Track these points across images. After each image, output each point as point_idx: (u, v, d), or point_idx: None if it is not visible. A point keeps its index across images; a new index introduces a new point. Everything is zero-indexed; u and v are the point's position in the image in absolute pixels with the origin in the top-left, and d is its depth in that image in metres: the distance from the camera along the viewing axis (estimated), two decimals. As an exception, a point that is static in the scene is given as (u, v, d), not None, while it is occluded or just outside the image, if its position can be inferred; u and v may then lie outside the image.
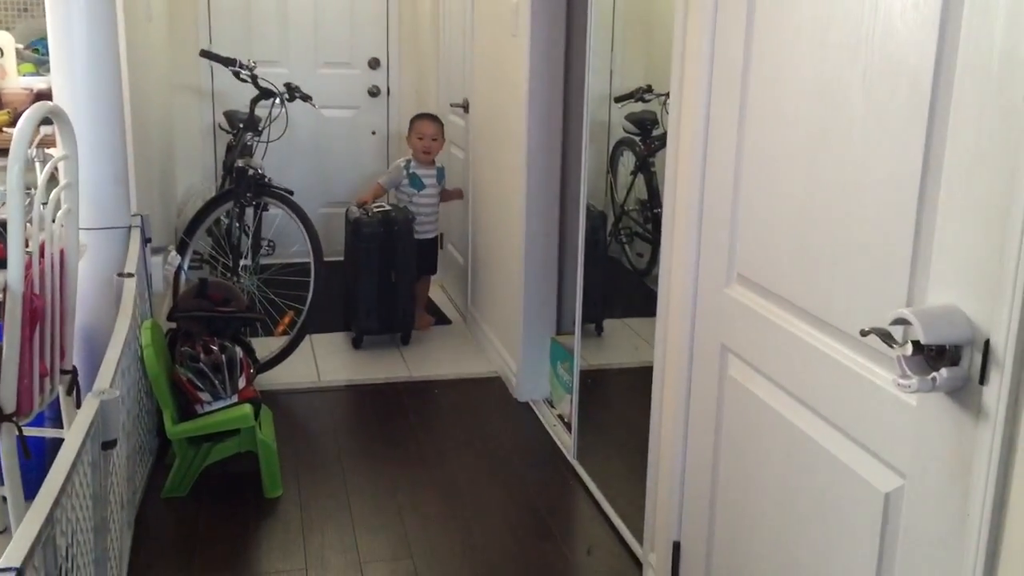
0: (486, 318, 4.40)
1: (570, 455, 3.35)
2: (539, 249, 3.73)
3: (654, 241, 4.03)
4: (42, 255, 2.37)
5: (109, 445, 1.87)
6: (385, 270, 4.30)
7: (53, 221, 2.42)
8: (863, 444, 1.53)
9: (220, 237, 4.36)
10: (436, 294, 5.28)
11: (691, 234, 2.15)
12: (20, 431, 2.32)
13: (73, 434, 1.76)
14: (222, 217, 4.21)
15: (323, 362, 4.23)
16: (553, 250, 3.77)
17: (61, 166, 2.51)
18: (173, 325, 3.48)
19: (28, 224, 2.29)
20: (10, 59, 3.78)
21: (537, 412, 3.75)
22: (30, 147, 2.36)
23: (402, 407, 3.80)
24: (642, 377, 2.72)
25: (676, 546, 2.32)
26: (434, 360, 4.28)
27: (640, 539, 2.68)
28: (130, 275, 2.74)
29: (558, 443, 3.48)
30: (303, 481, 3.17)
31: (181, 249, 4.11)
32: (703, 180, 2.10)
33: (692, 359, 2.18)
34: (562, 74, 3.65)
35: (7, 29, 4.08)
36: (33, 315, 2.32)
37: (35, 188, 2.39)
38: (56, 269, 2.44)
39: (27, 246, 2.29)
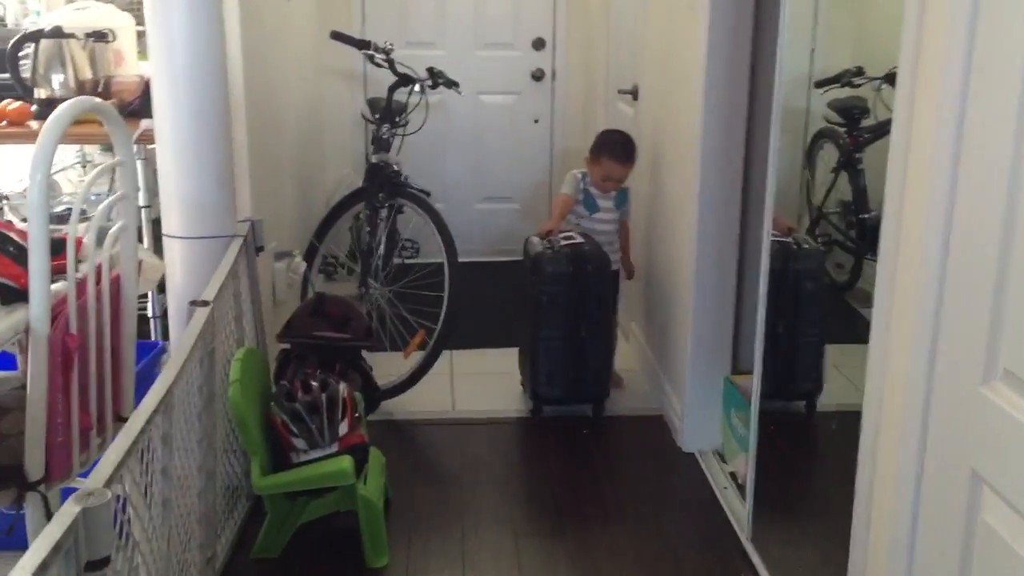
0: (649, 343, 3.76)
1: (743, 534, 2.67)
2: (713, 265, 3.06)
3: (858, 251, 3.31)
4: (90, 282, 1.94)
5: (98, 565, 1.40)
6: (574, 322, 3.33)
7: (100, 243, 1.99)
8: None
9: (356, 240, 3.92)
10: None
11: (925, 294, 1.45)
12: (47, 502, 1.91)
13: (32, 554, 1.28)
14: (361, 215, 3.76)
15: (461, 386, 3.72)
16: (731, 265, 3.09)
17: (117, 173, 2.08)
18: (287, 346, 3.05)
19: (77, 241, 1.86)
20: (128, 43, 3.44)
21: (704, 467, 3.09)
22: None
23: (542, 449, 3.24)
24: (846, 424, 2.13)
25: None
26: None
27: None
28: (204, 304, 2.28)
29: (728, 514, 2.81)
30: (415, 546, 2.65)
31: (310, 254, 3.69)
32: (949, 214, 1.40)
33: (919, 487, 1.49)
34: (748, 53, 2.95)
35: (134, 10, 3.75)
36: (67, 358, 1.89)
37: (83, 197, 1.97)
38: (105, 298, 2.01)
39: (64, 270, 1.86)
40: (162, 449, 1.83)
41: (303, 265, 3.53)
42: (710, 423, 3.16)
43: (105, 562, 1.42)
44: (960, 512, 1.35)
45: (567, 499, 2.89)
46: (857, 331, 2.77)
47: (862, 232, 3.35)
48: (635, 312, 4.04)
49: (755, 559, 2.56)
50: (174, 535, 1.98)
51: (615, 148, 3.49)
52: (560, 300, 3.30)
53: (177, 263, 2.73)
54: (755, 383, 2.63)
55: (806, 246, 3.06)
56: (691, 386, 3.15)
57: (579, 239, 3.38)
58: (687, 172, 3.11)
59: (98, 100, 2.07)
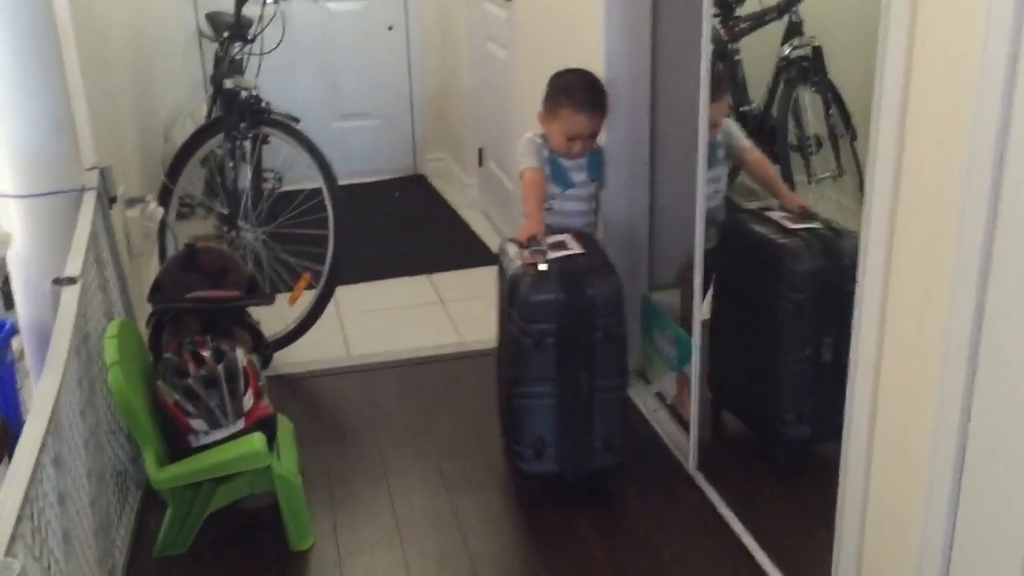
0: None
1: (688, 463, 2.54)
2: (624, 181, 2.84)
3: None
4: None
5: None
6: (572, 372, 2.28)
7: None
8: None
9: (214, 176, 3.49)
10: (478, 221, 4.42)
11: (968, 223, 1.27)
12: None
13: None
14: (219, 150, 3.33)
15: (353, 328, 3.42)
16: (643, 178, 2.88)
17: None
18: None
19: None
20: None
21: (630, 392, 2.94)
22: None
23: (458, 389, 3.00)
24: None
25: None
26: (483, 320, 3.45)
27: None
28: (71, 281, 1.89)
29: (664, 438, 2.68)
30: (341, 519, 2.39)
31: (163, 197, 3.26)
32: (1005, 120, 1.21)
33: (969, 424, 1.34)
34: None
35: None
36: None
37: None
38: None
39: None
40: (56, 476, 1.48)
41: (159, 211, 3.11)
42: (631, 343, 3.00)
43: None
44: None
45: (496, 443, 2.67)
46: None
47: (742, 124, 3.22)
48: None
49: (706, 488, 2.43)
50: (77, 564, 1.65)
51: (576, 94, 2.53)
52: (550, 340, 2.25)
53: (17, 227, 2.31)
54: (696, 298, 2.46)
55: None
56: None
57: (575, 246, 2.37)
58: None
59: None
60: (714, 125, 2.40)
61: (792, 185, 2.76)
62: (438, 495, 2.47)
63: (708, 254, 2.39)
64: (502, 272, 2.43)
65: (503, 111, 3.89)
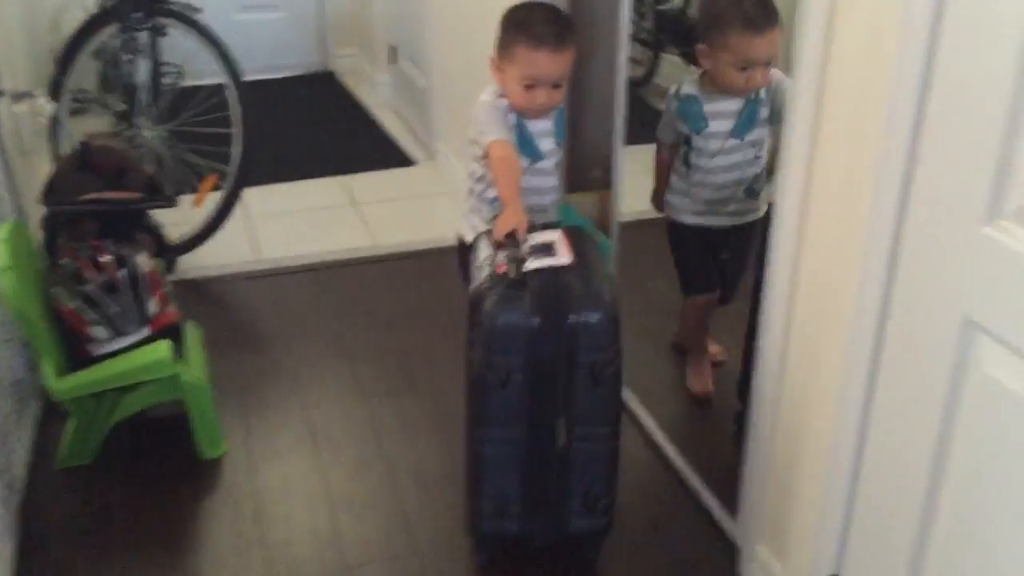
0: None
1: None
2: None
3: (655, 44, 3.14)
4: None
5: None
6: (547, 416, 1.78)
7: None
8: None
9: (108, 70, 3.30)
10: (391, 121, 4.30)
11: (895, 115, 1.26)
12: None
13: None
14: (114, 42, 3.12)
15: (263, 230, 3.31)
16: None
17: None
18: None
19: None
20: None
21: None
22: None
23: (370, 291, 2.94)
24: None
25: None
26: (397, 224, 3.38)
27: (721, 497, 1.97)
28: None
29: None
30: (254, 426, 2.34)
31: (54, 91, 3.06)
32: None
33: (883, 335, 1.34)
34: None
35: None
36: None
37: None
38: None
39: None
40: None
41: (50, 106, 2.92)
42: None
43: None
44: (946, 361, 1.21)
45: (414, 351, 2.64)
46: (652, 129, 2.62)
47: (660, 24, 3.17)
48: (448, 137, 3.74)
49: (626, 395, 2.44)
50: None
51: (533, 26, 1.96)
52: (518, 380, 1.73)
53: None
54: (614, 195, 2.43)
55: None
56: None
57: (563, 253, 1.80)
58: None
59: None
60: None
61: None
62: (353, 400, 2.44)
63: (749, 226, 2.23)
64: (466, 275, 1.97)
65: (417, 4, 3.74)
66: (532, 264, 1.75)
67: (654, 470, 2.19)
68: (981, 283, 1.15)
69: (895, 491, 1.37)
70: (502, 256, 1.78)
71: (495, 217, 1.91)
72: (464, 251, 2.06)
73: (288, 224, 3.38)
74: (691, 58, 2.89)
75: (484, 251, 1.85)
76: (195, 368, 2.24)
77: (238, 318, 2.88)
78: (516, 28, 1.96)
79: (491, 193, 2.03)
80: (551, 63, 1.93)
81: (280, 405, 2.41)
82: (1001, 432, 1.16)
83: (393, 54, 4.28)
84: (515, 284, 1.70)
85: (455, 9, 3.33)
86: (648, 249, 2.59)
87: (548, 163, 2.09)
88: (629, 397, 2.37)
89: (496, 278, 1.74)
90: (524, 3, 2.03)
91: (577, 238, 1.86)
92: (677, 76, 2.78)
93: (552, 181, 2.13)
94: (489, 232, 1.88)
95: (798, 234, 1.54)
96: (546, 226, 1.93)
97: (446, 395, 2.42)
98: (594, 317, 1.69)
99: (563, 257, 1.78)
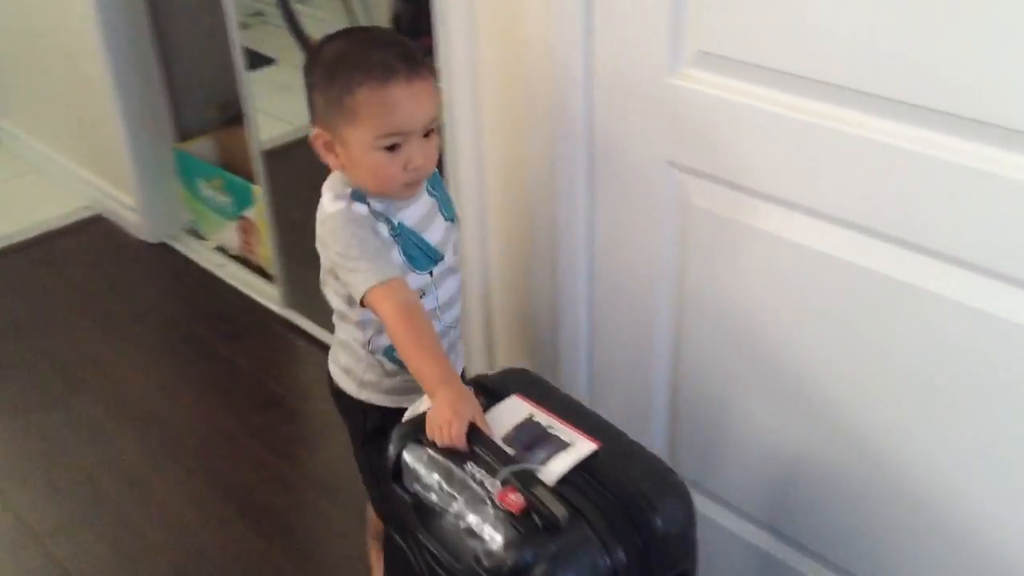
0: (50, 133, 3.10)
1: (276, 304, 2.48)
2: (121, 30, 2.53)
3: None
4: None
5: None
6: None
7: None
8: None
9: None
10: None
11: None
12: None
13: None
14: None
15: None
16: (142, 23, 2.57)
17: None
18: None
19: None
20: None
21: (186, 253, 2.75)
22: None
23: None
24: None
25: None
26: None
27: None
28: None
29: (243, 288, 2.57)
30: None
31: None
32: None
33: (593, 181, 1.45)
34: None
35: None
36: None
37: None
38: None
39: None
40: None
41: None
42: (169, 205, 2.79)
43: None
44: (658, 201, 1.35)
45: (67, 352, 2.38)
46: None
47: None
48: (21, 110, 3.30)
49: (302, 322, 2.40)
50: None
51: (370, 55, 1.23)
52: None
53: None
54: (249, 127, 2.32)
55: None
56: (136, 171, 2.69)
57: (564, 433, 1.13)
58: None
59: None
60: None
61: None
62: (10, 419, 2.16)
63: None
64: (374, 473, 1.37)
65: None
66: (553, 471, 1.07)
67: None
68: (677, 129, 1.29)
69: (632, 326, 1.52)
70: (483, 474, 1.06)
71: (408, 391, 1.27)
72: (350, 407, 1.41)
73: None
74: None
75: (435, 473, 1.10)
76: None
77: None
78: (344, 68, 1.22)
79: (381, 341, 1.33)
80: (412, 99, 1.22)
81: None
82: (714, 252, 1.33)
83: None
84: (554, 521, 1.00)
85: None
86: (298, 172, 2.52)
87: (452, 256, 1.37)
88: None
89: (514, 522, 1.02)
90: (336, 34, 1.30)
91: (537, 389, 1.22)
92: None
93: (458, 278, 1.40)
94: (413, 433, 1.15)
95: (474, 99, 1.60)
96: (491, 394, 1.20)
97: (121, 388, 2.23)
98: (679, 511, 1.10)
99: (574, 437, 1.12)
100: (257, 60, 2.47)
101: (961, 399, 1.13)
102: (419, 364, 1.18)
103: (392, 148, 1.22)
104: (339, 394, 1.42)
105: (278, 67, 2.78)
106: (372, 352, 1.34)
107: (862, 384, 1.23)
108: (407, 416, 1.20)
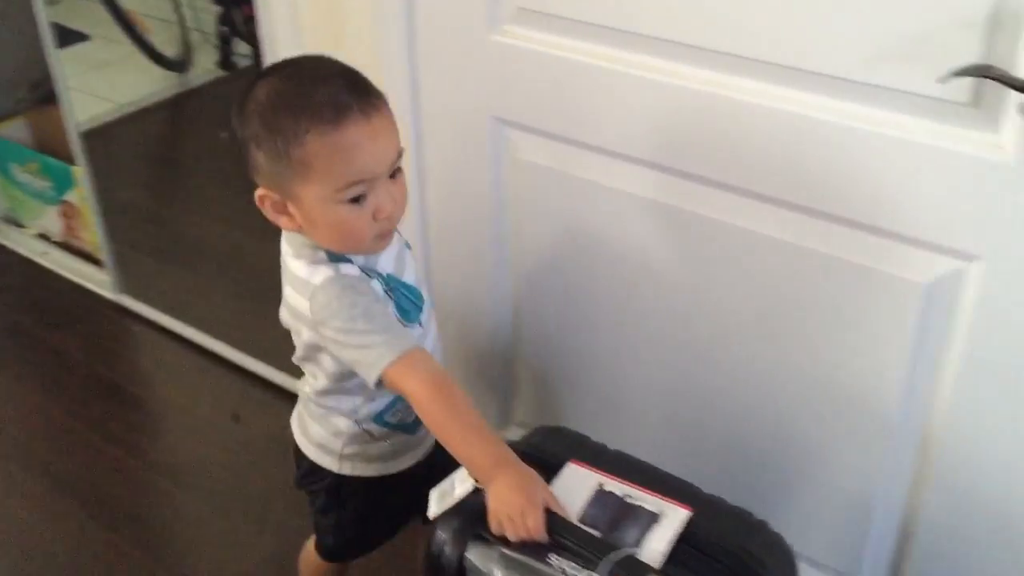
0: None
1: (107, 289, 2.38)
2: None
3: None
4: None
5: None
6: None
7: None
8: (894, 231, 1.09)
9: None
10: None
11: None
12: None
13: None
14: None
15: None
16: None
17: None
18: None
19: None
20: None
21: (3, 243, 2.60)
22: None
23: None
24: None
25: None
26: None
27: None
28: None
29: (71, 277, 2.46)
30: None
31: None
32: None
33: (421, 141, 1.47)
34: None
35: None
36: None
37: None
38: None
39: None
40: None
41: None
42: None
43: None
44: (482, 157, 1.38)
45: None
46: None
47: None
48: None
49: (136, 306, 2.32)
50: None
51: (315, 94, 1.01)
52: None
53: None
54: (65, 112, 2.20)
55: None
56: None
57: (650, 502, 0.98)
58: None
59: None
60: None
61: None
62: None
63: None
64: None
65: None
66: (656, 551, 0.93)
67: None
68: (501, 84, 1.32)
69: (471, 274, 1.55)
70: (575, 568, 0.90)
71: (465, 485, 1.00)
72: (327, 483, 1.24)
73: None
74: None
75: (506, 567, 0.94)
76: None
77: None
78: (285, 113, 1.01)
79: (373, 408, 1.17)
80: (372, 138, 1.02)
81: None
82: (536, 196, 1.37)
83: None
84: None
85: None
86: (121, 151, 2.43)
87: (429, 303, 1.20)
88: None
89: None
90: (264, 71, 1.08)
91: (587, 450, 1.08)
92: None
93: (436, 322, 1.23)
94: (470, 528, 0.96)
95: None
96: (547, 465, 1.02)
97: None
98: (786, 564, 1.01)
99: (660, 504, 0.98)
100: (69, 36, 2.36)
101: (783, 326, 1.21)
102: (467, 448, 0.99)
103: (356, 200, 1.01)
104: (314, 470, 1.23)
105: (92, 43, 2.66)
106: (358, 422, 1.17)
107: (683, 318, 1.30)
108: (439, 502, 0.99)
